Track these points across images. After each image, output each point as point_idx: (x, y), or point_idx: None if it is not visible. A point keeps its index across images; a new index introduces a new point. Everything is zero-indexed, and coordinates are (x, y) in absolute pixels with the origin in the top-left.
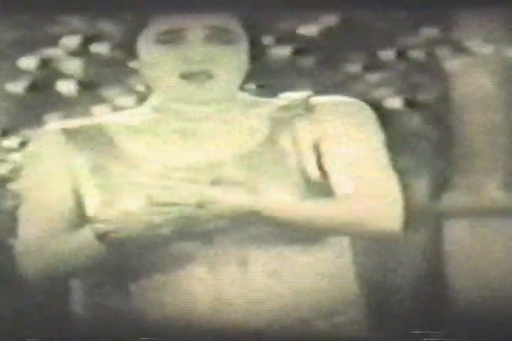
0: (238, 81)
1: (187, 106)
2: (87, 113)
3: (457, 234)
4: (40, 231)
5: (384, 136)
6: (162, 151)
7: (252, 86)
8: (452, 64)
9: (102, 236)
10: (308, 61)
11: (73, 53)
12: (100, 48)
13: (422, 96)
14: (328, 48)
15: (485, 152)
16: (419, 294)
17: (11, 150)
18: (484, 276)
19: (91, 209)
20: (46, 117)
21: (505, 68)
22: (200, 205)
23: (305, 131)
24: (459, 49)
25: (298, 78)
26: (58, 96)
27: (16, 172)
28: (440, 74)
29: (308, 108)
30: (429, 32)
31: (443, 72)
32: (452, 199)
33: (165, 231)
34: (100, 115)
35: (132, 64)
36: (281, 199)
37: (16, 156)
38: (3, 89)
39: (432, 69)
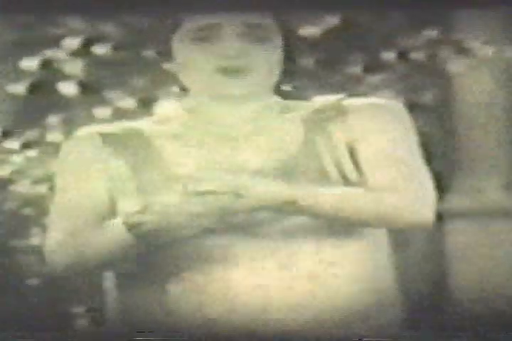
0: (274, 78)
1: (222, 109)
2: (88, 114)
3: (458, 235)
4: (72, 227)
5: (418, 136)
6: (198, 156)
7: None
8: (453, 65)
9: (133, 228)
10: (308, 62)
11: (75, 54)
12: (102, 49)
13: (422, 98)
14: (328, 49)
15: (486, 153)
16: (420, 294)
17: (12, 151)
18: (485, 277)
19: (125, 209)
20: (47, 118)
21: (506, 69)
22: (237, 194)
23: (339, 133)
24: (460, 50)
25: (298, 79)
26: (60, 97)
27: (17, 174)
28: (441, 75)
29: (341, 110)
30: (430, 33)
31: (444, 73)
32: (453, 200)
33: (202, 222)
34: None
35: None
36: (318, 189)
37: (17, 158)
38: (4, 90)
39: (433, 70)
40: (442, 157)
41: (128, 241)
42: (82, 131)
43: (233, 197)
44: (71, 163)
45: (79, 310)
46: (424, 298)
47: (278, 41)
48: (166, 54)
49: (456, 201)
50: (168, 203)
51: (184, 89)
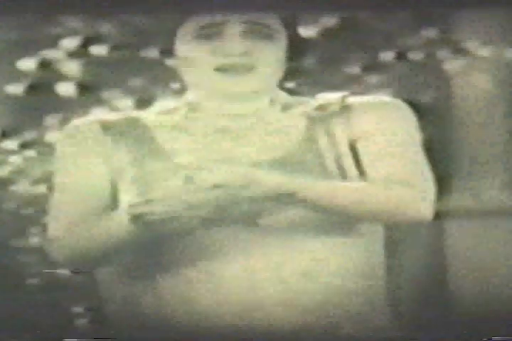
0: (277, 76)
1: (224, 104)
2: (86, 115)
3: (457, 235)
4: (74, 216)
5: (421, 134)
6: (199, 148)
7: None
8: (452, 65)
9: (135, 219)
10: (307, 62)
11: (73, 55)
12: (100, 50)
13: (421, 98)
14: (327, 49)
15: (485, 153)
16: (420, 294)
17: (11, 152)
18: (485, 277)
19: (126, 199)
20: (46, 119)
21: (505, 69)
22: (241, 185)
23: (341, 130)
24: (459, 50)
25: (297, 79)
26: (58, 97)
27: (16, 174)
28: (440, 75)
29: (344, 107)
30: (429, 33)
31: (443, 73)
32: (452, 200)
33: (201, 213)
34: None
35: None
36: (319, 181)
37: (16, 158)
38: (2, 90)
39: (432, 70)
40: (441, 157)
41: (130, 232)
42: (81, 120)
43: (236, 187)
44: (71, 153)
45: (79, 309)
46: (423, 297)
47: (282, 39)
48: (168, 51)
49: (455, 201)
50: (170, 194)
51: (185, 87)
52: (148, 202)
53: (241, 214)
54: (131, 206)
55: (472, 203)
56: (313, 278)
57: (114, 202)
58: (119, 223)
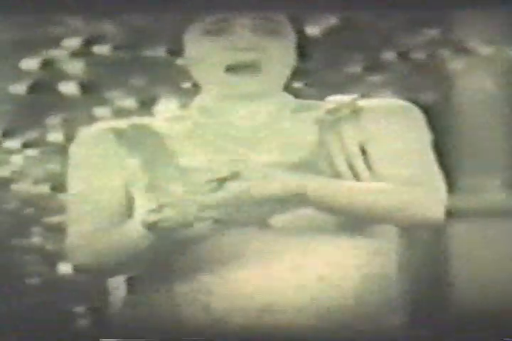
0: (285, 75)
1: (235, 106)
2: (89, 114)
3: (458, 235)
4: (91, 224)
5: (431, 136)
6: (210, 156)
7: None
8: (453, 65)
9: (151, 226)
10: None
11: (75, 54)
12: (103, 49)
13: (422, 97)
14: (328, 49)
15: (485, 153)
16: (421, 294)
17: (13, 151)
18: (485, 276)
19: (141, 207)
20: (48, 118)
21: (506, 69)
22: (256, 184)
23: (352, 133)
24: (460, 50)
25: (300, 79)
26: (60, 97)
27: (18, 173)
28: (441, 75)
29: (355, 110)
30: (430, 33)
31: (444, 73)
32: (453, 200)
33: (216, 213)
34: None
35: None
36: (329, 181)
37: (17, 157)
38: (4, 90)
39: (433, 70)
40: (442, 156)
41: (147, 239)
42: (94, 128)
43: (247, 187)
44: (85, 161)
45: (79, 309)
46: (425, 297)
47: (291, 37)
48: (175, 51)
49: (456, 201)
50: (183, 197)
51: (196, 86)
52: (161, 208)
53: (252, 215)
54: (145, 214)
55: (472, 203)
56: (329, 281)
57: (129, 210)
58: (135, 231)
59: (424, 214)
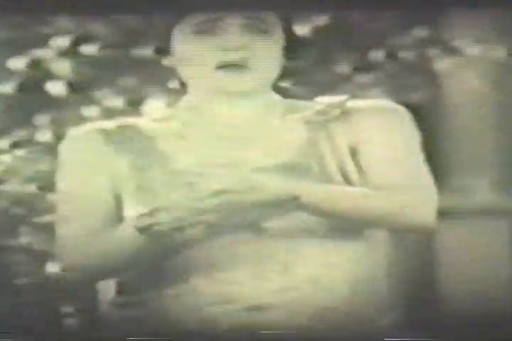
0: (274, 74)
1: (223, 105)
2: (77, 114)
3: (447, 234)
4: (80, 228)
5: (420, 138)
6: (200, 156)
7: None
8: (442, 64)
9: (144, 231)
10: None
11: (63, 54)
12: (90, 49)
13: (411, 97)
14: (317, 49)
15: (475, 153)
16: (410, 296)
17: (1, 151)
18: (474, 276)
19: (130, 209)
20: (36, 118)
21: (495, 68)
22: (241, 190)
23: (341, 134)
24: (449, 49)
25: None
26: (48, 97)
27: (6, 173)
28: (430, 74)
29: (345, 111)
30: (419, 32)
31: (433, 72)
32: (442, 200)
33: (209, 218)
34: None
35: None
36: (321, 186)
37: (6, 157)
38: None
39: (422, 69)
40: (431, 156)
41: (139, 243)
42: (81, 129)
43: (238, 193)
44: (74, 161)
45: (69, 309)
46: (414, 298)
47: (279, 36)
48: (163, 50)
49: (445, 200)
50: (175, 202)
51: (183, 85)
52: (153, 212)
53: (246, 219)
54: (138, 218)
55: (461, 202)
56: (320, 284)
57: (118, 210)
58: (127, 235)
59: (417, 220)
